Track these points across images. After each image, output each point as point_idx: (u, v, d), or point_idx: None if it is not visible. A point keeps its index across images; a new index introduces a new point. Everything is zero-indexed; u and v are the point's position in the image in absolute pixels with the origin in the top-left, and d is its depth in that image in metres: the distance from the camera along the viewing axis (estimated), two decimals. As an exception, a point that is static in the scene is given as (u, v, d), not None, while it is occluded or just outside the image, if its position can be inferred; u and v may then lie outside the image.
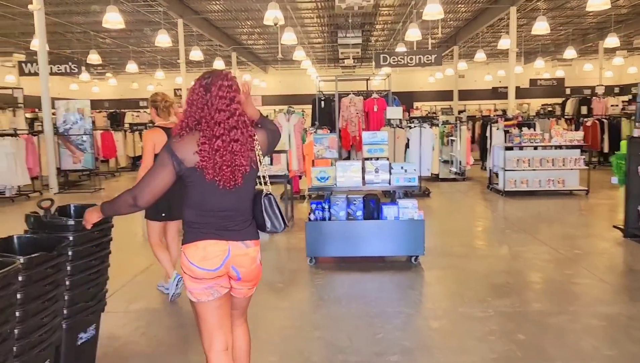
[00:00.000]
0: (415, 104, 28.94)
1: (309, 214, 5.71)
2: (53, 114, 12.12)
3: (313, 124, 11.25)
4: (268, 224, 2.36)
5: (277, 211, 2.39)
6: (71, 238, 2.84)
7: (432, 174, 11.80)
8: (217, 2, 16.03)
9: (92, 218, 2.52)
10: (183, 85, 19.15)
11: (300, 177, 10.31)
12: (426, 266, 5.69)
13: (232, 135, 2.23)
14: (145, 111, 22.81)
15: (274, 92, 30.46)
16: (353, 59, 23.25)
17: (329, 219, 5.64)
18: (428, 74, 28.89)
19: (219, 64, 20.03)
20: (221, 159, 2.21)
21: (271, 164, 7.62)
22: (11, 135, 10.97)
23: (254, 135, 2.33)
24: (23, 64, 13.77)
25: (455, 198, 10.80)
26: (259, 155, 2.34)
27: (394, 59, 14.48)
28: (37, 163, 11.76)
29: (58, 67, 14.04)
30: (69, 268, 2.85)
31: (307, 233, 5.64)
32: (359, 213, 5.65)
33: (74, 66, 14.06)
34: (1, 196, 11.02)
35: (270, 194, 2.41)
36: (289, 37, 14.08)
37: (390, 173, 5.71)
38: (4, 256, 2.35)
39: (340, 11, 13.85)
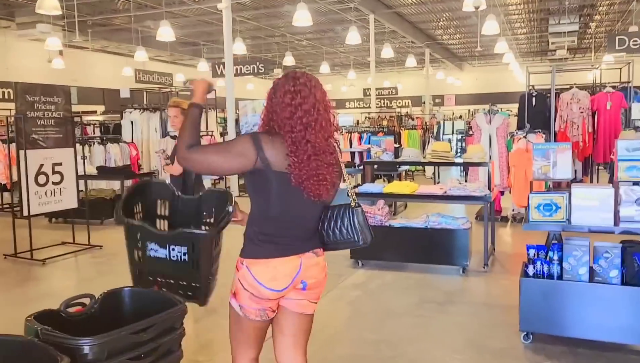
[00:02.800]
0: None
1: (525, 265, 3.80)
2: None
3: (520, 127, 9.03)
4: (361, 238, 2.15)
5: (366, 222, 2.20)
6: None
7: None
8: (412, -7, 14.78)
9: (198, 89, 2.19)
10: (372, 85, 18.32)
11: (502, 193, 8.25)
12: None
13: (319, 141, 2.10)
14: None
15: (470, 91, 28.57)
16: (568, 49, 19.80)
17: (559, 277, 3.65)
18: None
19: (410, 62, 18.90)
20: (310, 166, 2.05)
21: (466, 180, 5.77)
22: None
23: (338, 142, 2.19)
24: (216, 66, 14.01)
25: None
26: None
27: (635, 41, 11.20)
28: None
29: (247, 67, 14.00)
30: None
31: (522, 294, 3.71)
32: (614, 273, 3.54)
33: (261, 66, 13.87)
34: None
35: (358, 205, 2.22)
36: (490, 27, 12.13)
37: (665, 208, 3.54)
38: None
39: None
